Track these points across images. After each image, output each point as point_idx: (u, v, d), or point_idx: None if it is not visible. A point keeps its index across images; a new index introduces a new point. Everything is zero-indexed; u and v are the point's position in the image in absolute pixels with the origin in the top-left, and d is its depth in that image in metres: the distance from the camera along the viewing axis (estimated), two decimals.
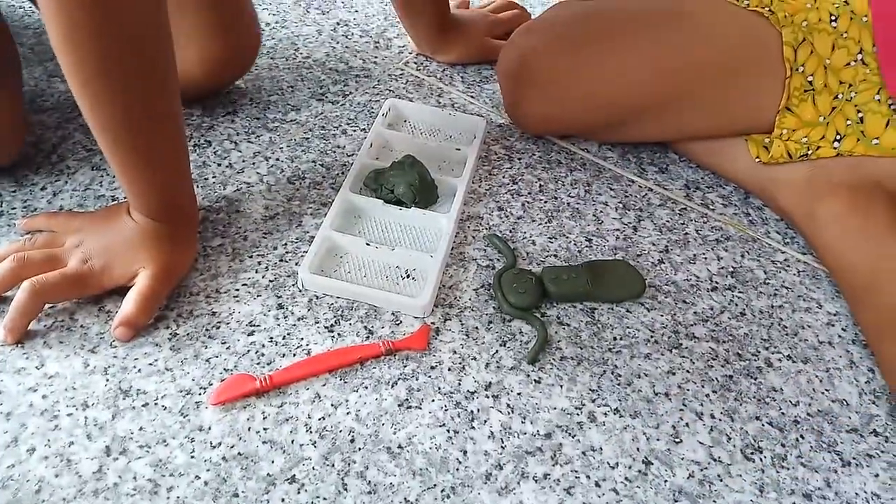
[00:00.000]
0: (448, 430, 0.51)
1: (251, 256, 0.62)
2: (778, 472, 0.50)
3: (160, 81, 0.50)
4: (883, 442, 0.53)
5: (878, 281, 0.58)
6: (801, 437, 0.53)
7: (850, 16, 0.64)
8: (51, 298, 0.54)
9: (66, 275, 0.54)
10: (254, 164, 0.71)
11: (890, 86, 0.63)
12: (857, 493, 0.50)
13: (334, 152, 0.73)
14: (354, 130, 0.76)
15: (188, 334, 0.55)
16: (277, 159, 0.72)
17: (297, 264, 0.61)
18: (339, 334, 0.56)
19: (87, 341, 0.53)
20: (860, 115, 0.65)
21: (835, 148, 0.65)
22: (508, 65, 0.72)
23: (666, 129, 0.72)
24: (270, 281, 0.60)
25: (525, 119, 0.73)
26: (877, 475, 0.51)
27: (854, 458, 0.52)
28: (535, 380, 0.54)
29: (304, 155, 0.73)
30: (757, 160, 0.68)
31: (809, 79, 0.64)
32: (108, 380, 0.51)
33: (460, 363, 0.55)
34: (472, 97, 0.83)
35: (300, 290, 0.59)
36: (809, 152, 0.65)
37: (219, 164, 0.70)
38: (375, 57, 0.87)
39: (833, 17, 0.64)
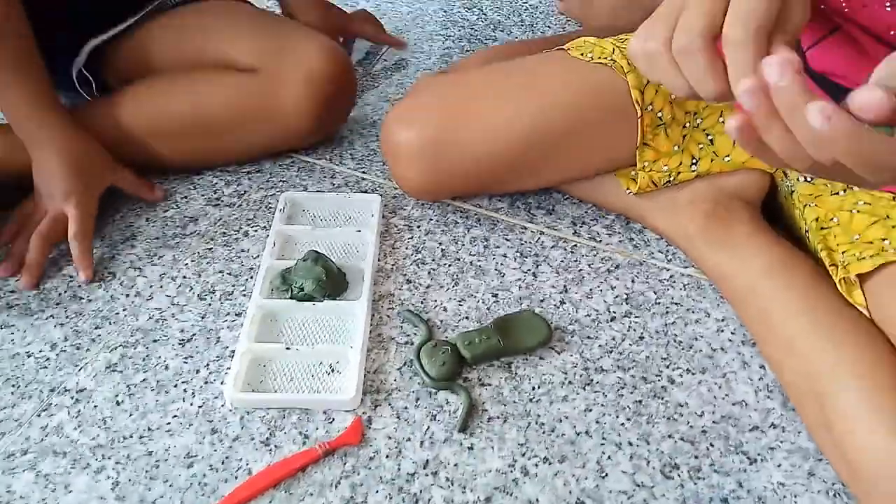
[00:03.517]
0: None
1: (176, 385, 0.63)
2: (695, 483, 0.56)
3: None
4: (781, 433, 0.59)
5: (751, 284, 0.65)
6: (711, 444, 0.58)
7: None
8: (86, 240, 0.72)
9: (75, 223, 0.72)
10: (161, 286, 0.72)
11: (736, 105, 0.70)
12: (765, 487, 0.56)
13: (239, 257, 0.75)
14: (255, 230, 0.79)
15: (130, 480, 0.56)
16: (184, 277, 0.73)
17: (222, 383, 0.63)
18: (275, 446, 0.58)
19: None
20: (709, 137, 0.72)
21: (693, 171, 0.72)
22: (384, 140, 0.76)
23: (542, 180, 0.78)
24: (199, 406, 0.61)
25: (414, 190, 0.78)
26: (780, 465, 0.57)
27: (759, 455, 0.58)
28: (468, 447, 0.58)
29: (209, 267, 0.74)
30: (628, 191, 0.74)
31: (659, 114, 0.70)
32: None
33: (396, 447, 0.58)
34: (363, 173, 0.86)
35: (230, 410, 0.61)
36: (671, 178, 0.72)
37: (126, 295, 0.71)
38: None
39: None
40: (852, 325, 0.58)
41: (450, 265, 0.74)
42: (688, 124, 0.72)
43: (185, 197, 0.83)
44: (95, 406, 0.61)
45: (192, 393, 0.62)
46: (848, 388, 0.54)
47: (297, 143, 0.86)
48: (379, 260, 0.75)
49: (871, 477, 0.51)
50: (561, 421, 0.60)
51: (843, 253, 0.61)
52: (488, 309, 0.70)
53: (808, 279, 0.63)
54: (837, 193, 0.66)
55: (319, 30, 0.85)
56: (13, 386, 0.63)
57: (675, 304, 0.70)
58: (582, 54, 0.74)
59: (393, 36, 1.07)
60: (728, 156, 0.72)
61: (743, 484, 0.56)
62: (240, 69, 0.80)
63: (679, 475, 0.56)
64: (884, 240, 0.59)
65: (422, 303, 0.70)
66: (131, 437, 0.59)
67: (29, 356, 0.65)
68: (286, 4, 0.97)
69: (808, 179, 0.69)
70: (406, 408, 0.61)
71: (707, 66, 0.43)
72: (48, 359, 0.65)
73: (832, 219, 0.65)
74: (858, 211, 0.63)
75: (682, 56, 0.44)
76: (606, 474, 0.56)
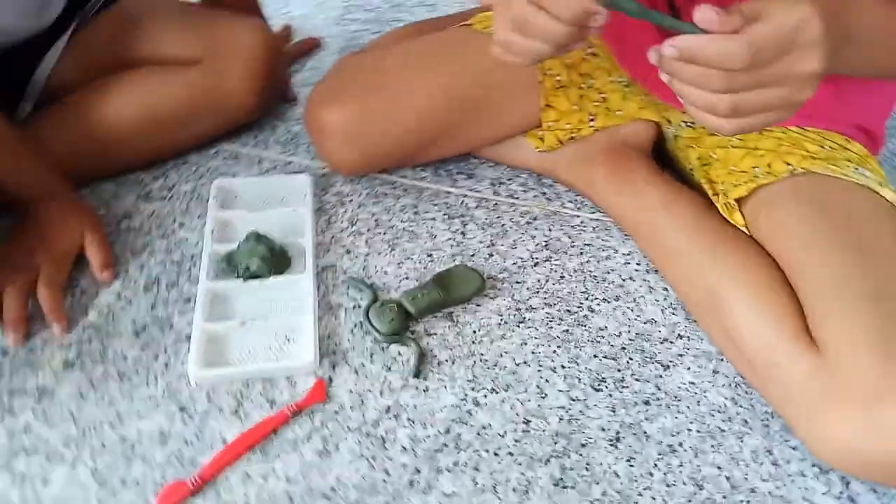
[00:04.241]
0: (367, 459, 0.59)
1: (138, 373, 0.66)
2: (621, 392, 0.65)
3: None
4: (687, 341, 0.69)
5: (648, 220, 0.75)
6: (630, 359, 0.68)
7: None
8: (57, 286, 0.70)
9: (46, 273, 0.69)
10: (105, 283, 0.73)
11: (620, 64, 0.79)
12: (679, 387, 0.65)
13: (179, 247, 0.78)
14: (191, 220, 0.81)
15: (108, 464, 0.59)
16: (126, 271, 0.75)
17: (183, 364, 0.66)
18: (245, 414, 0.62)
19: None
20: (602, 95, 0.80)
21: (591, 126, 0.80)
22: (309, 122, 0.81)
23: (459, 146, 0.84)
24: (164, 389, 0.64)
25: (343, 167, 0.82)
26: (689, 368, 0.67)
27: (671, 361, 0.67)
28: (423, 389, 0.65)
29: (150, 259, 0.76)
30: (537, 150, 0.82)
31: (558, 78, 0.78)
32: None
33: (359, 399, 0.64)
34: (290, 155, 0.90)
35: (195, 387, 0.64)
36: (574, 135, 0.80)
37: (71, 295, 0.72)
38: None
39: None
40: (736, 243, 0.68)
41: (384, 233, 0.80)
42: (583, 85, 0.80)
43: (114, 195, 0.84)
44: (60, 402, 0.63)
45: (155, 377, 0.65)
46: (736, 292, 0.64)
47: (242, 122, 0.90)
48: (317, 235, 0.79)
49: (762, 364, 0.61)
50: (501, 356, 0.67)
51: (722, 182, 0.72)
52: (425, 268, 0.76)
53: (697, 210, 0.73)
54: (713, 134, 0.77)
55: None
56: None
57: (588, 245, 0.79)
58: (485, 28, 0.80)
59: (306, 40, 1.09)
60: (620, 110, 0.81)
61: (660, 387, 0.65)
62: (180, 62, 0.82)
63: (606, 387, 0.65)
64: (755, 167, 0.70)
65: (363, 269, 0.76)
66: (101, 425, 0.61)
67: None
68: None
69: (690, 125, 0.79)
70: (362, 364, 0.67)
71: (545, 19, 0.51)
72: (1, 364, 0.66)
73: (711, 155, 0.75)
74: (733, 146, 0.73)
75: (526, 29, 0.52)
76: (546, 395, 0.64)
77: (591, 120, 0.80)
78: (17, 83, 0.82)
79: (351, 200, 0.84)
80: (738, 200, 0.70)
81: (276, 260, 0.73)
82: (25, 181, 0.72)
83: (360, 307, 0.71)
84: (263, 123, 0.94)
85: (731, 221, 0.70)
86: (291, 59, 1.06)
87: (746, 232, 0.69)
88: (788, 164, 0.68)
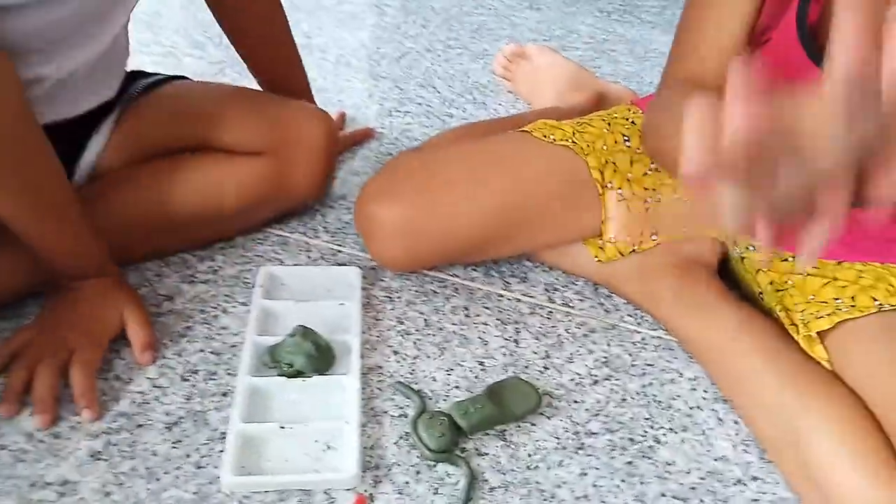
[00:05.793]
0: None
1: (167, 472, 0.61)
2: None
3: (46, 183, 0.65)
4: (762, 484, 0.63)
5: (720, 345, 0.70)
6: (701, 501, 0.62)
7: (638, 134, 0.79)
8: (92, 369, 0.66)
9: (81, 354, 0.66)
10: (140, 368, 0.70)
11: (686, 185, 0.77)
12: None
13: (220, 335, 0.74)
14: (234, 306, 0.78)
15: None
16: (164, 357, 0.71)
17: (215, 467, 0.61)
18: None
19: None
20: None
21: (654, 240, 0.77)
22: (360, 217, 0.79)
23: (513, 250, 0.82)
24: (194, 493, 0.59)
25: (389, 263, 0.80)
26: None
27: None
28: None
29: (189, 346, 0.73)
30: (596, 259, 0.79)
31: (619, 192, 0.76)
32: None
33: None
34: (338, 245, 0.88)
35: (227, 495, 0.59)
36: (636, 248, 0.77)
37: (105, 378, 0.68)
38: None
39: (626, 138, 0.78)
40: (818, 377, 0.63)
41: (434, 335, 0.76)
42: (649, 199, 0.78)
43: (158, 275, 0.81)
44: (82, 498, 0.58)
45: (185, 479, 0.60)
46: (821, 431, 0.59)
47: (298, 210, 0.90)
48: (363, 332, 0.75)
49: None
50: (560, 486, 0.62)
51: (801, 312, 0.68)
52: (476, 377, 0.71)
53: (772, 338, 0.68)
54: (786, 260, 0.73)
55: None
56: None
57: (650, 365, 0.74)
58: (544, 136, 0.79)
59: (361, 130, 1.09)
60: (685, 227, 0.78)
61: None
62: (244, 151, 0.80)
63: None
64: (836, 299, 0.66)
65: (411, 373, 0.71)
66: None
67: (2, 449, 0.61)
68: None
69: (755, 248, 0.76)
70: (407, 482, 0.61)
71: None
72: (25, 451, 0.61)
73: (787, 281, 0.71)
74: (810, 274, 0.70)
75: None
76: None
77: (654, 235, 0.78)
78: (65, 160, 0.80)
79: (400, 297, 0.81)
80: (820, 333, 0.65)
81: (322, 358, 0.69)
82: (79, 256, 0.69)
83: (406, 416, 0.67)
84: (313, 210, 0.93)
85: (811, 354, 0.66)
86: (343, 147, 1.05)
87: (828, 366, 0.64)
88: (875, 300, 0.64)
